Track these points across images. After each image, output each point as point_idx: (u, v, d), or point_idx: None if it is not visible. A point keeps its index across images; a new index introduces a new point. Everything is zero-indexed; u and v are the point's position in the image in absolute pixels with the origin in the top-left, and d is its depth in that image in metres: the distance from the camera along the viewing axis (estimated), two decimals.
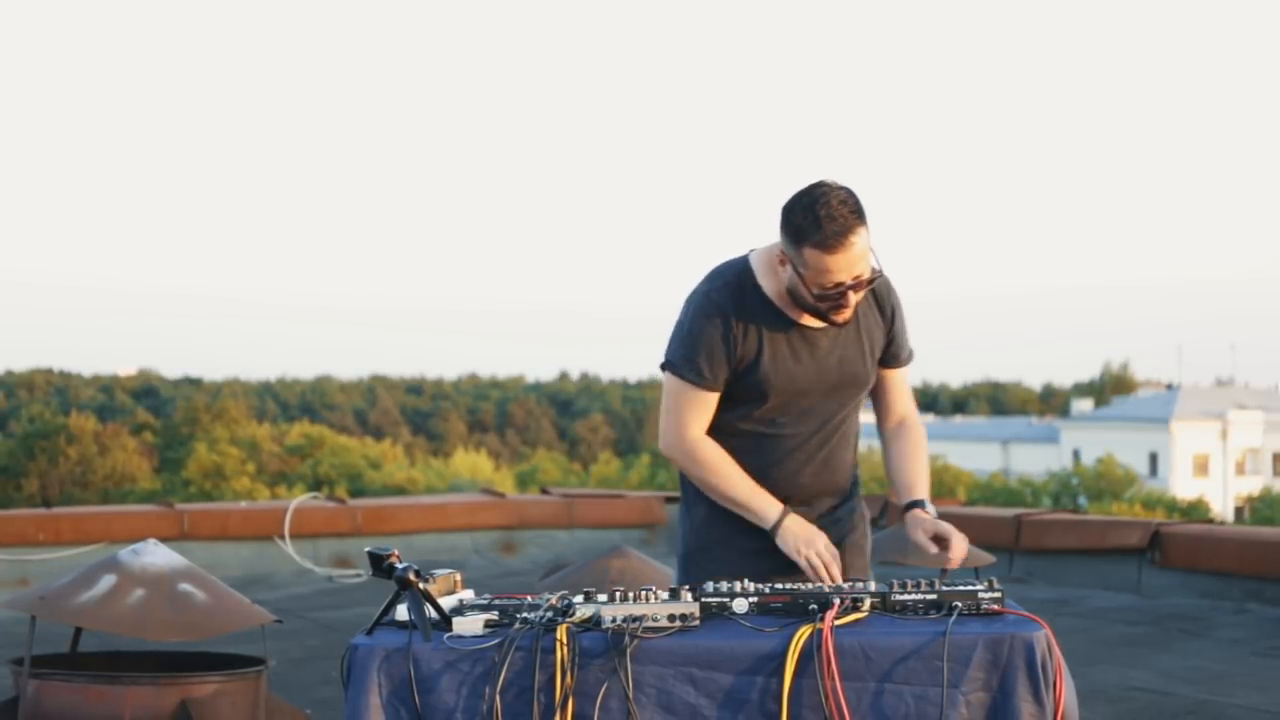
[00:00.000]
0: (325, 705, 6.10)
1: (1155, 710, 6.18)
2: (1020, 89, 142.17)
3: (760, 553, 3.73)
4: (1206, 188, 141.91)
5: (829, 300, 3.59)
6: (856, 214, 3.52)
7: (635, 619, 3.19)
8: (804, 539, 3.67)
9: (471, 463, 61.22)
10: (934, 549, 3.69)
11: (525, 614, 3.30)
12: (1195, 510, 43.80)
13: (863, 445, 4.13)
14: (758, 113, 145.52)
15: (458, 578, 3.56)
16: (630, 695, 3.14)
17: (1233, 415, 74.46)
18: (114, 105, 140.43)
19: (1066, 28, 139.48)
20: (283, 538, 10.40)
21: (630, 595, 3.28)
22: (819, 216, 3.49)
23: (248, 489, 45.53)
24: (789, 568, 3.70)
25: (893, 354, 3.85)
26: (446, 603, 3.36)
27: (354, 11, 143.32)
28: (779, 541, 3.69)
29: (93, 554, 9.37)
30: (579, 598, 3.34)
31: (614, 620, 3.19)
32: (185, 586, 4.62)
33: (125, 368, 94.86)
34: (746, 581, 3.39)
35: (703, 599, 3.32)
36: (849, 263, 3.53)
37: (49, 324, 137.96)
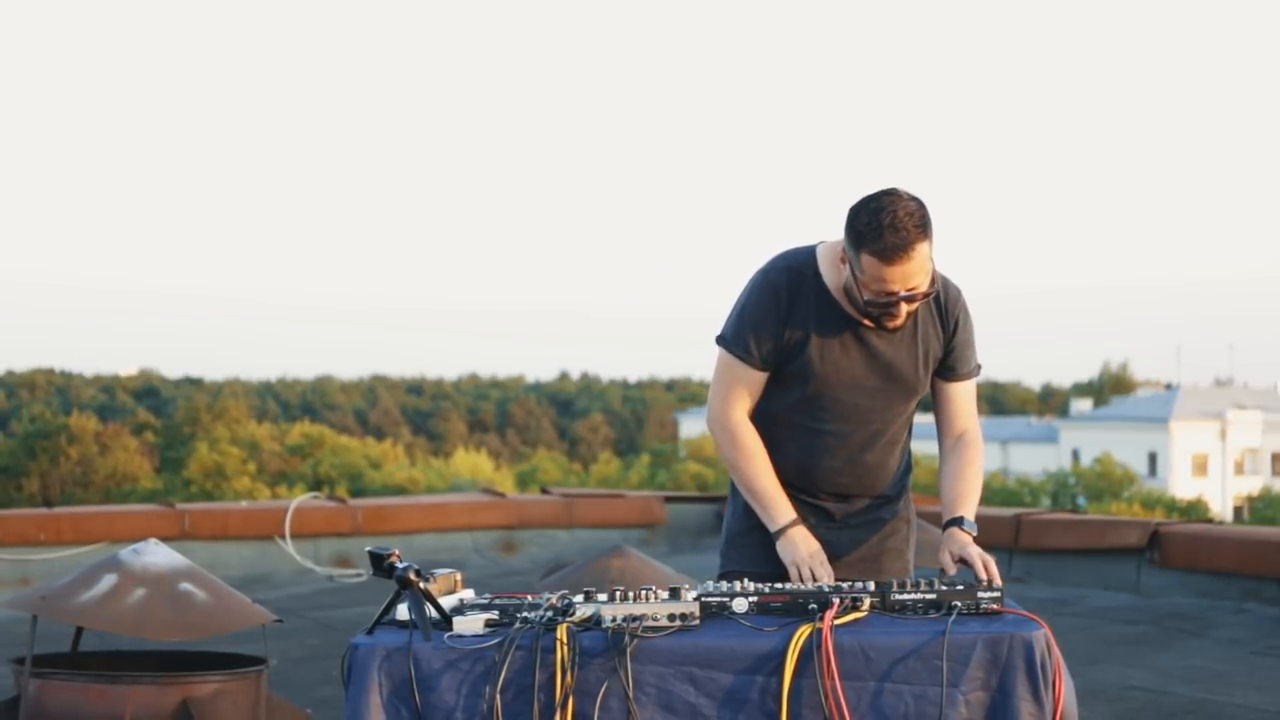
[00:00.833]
0: (326, 704, 6.11)
1: (1154, 710, 6.19)
2: (1019, 89, 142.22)
3: None
4: (1206, 188, 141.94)
5: (880, 307, 3.59)
6: (921, 227, 3.50)
7: (635, 618, 3.20)
8: (804, 553, 3.66)
9: (472, 462, 61.22)
10: (954, 571, 3.65)
11: (525, 613, 3.31)
12: (1194, 510, 43.82)
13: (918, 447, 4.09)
14: (757, 113, 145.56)
15: (458, 577, 3.57)
16: (630, 694, 3.15)
17: (1232, 415, 74.47)
18: (114, 105, 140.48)
19: (1067, 28, 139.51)
20: (283, 537, 10.41)
21: (630, 595, 3.29)
22: (882, 225, 3.48)
23: (248, 489, 45.53)
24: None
25: (950, 365, 3.80)
26: (447, 602, 3.36)
27: (354, 11, 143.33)
28: (779, 547, 3.69)
29: (94, 554, 9.38)
30: (579, 597, 3.35)
31: (614, 620, 3.20)
32: (186, 586, 4.63)
33: (126, 368, 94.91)
34: (746, 581, 3.40)
35: (702, 599, 3.33)
36: (905, 274, 3.52)
37: (50, 324, 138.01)
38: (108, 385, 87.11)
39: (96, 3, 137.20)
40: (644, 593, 3.29)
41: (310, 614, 8.92)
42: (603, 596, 3.30)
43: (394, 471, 53.28)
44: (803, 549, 3.66)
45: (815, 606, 3.28)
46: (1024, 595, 8.89)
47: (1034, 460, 71.73)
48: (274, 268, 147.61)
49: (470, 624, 3.26)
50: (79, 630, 4.86)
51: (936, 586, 3.34)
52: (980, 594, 3.32)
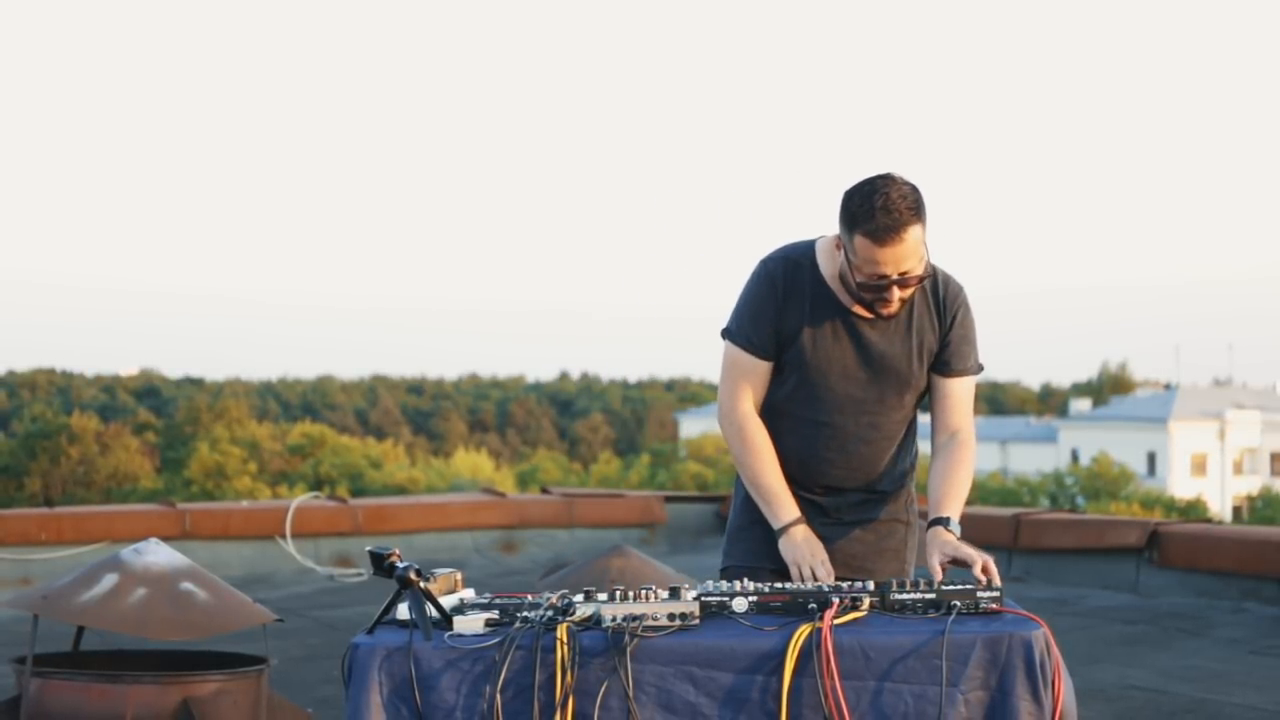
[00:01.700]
0: (326, 704, 6.12)
1: (1153, 709, 6.20)
2: (1018, 89, 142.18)
3: None
4: (1205, 188, 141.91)
5: (872, 291, 3.61)
6: (914, 210, 3.53)
7: (635, 618, 3.20)
8: (805, 552, 3.67)
9: (472, 462, 61.18)
10: (941, 575, 3.58)
11: (526, 613, 3.32)
12: (1193, 510, 43.79)
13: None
14: (757, 113, 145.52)
15: (458, 577, 3.57)
16: (630, 694, 3.15)
17: (1230, 415, 74.47)
18: (114, 105, 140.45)
19: (1066, 28, 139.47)
20: (284, 537, 10.42)
21: (630, 594, 3.29)
22: (874, 207, 3.52)
23: (249, 488, 45.52)
24: None
25: (946, 360, 3.79)
26: (447, 602, 3.37)
27: (354, 11, 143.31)
28: (781, 545, 3.70)
29: (95, 553, 9.39)
30: (579, 597, 3.36)
31: (614, 619, 3.20)
32: (187, 586, 4.64)
33: (127, 367, 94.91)
34: (746, 581, 3.41)
35: (702, 598, 3.33)
36: (897, 257, 3.54)
37: (51, 324, 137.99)
38: (109, 385, 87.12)
39: (96, 3, 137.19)
40: (644, 592, 3.30)
41: (311, 613, 8.93)
42: (603, 596, 3.31)
43: (394, 471, 53.27)
44: (804, 548, 3.67)
45: (815, 606, 3.28)
46: (1023, 595, 8.90)
47: (1033, 460, 71.70)
48: (274, 268, 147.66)
49: (470, 623, 3.27)
50: (80, 630, 4.87)
51: (936, 586, 3.34)
52: (980, 594, 3.32)
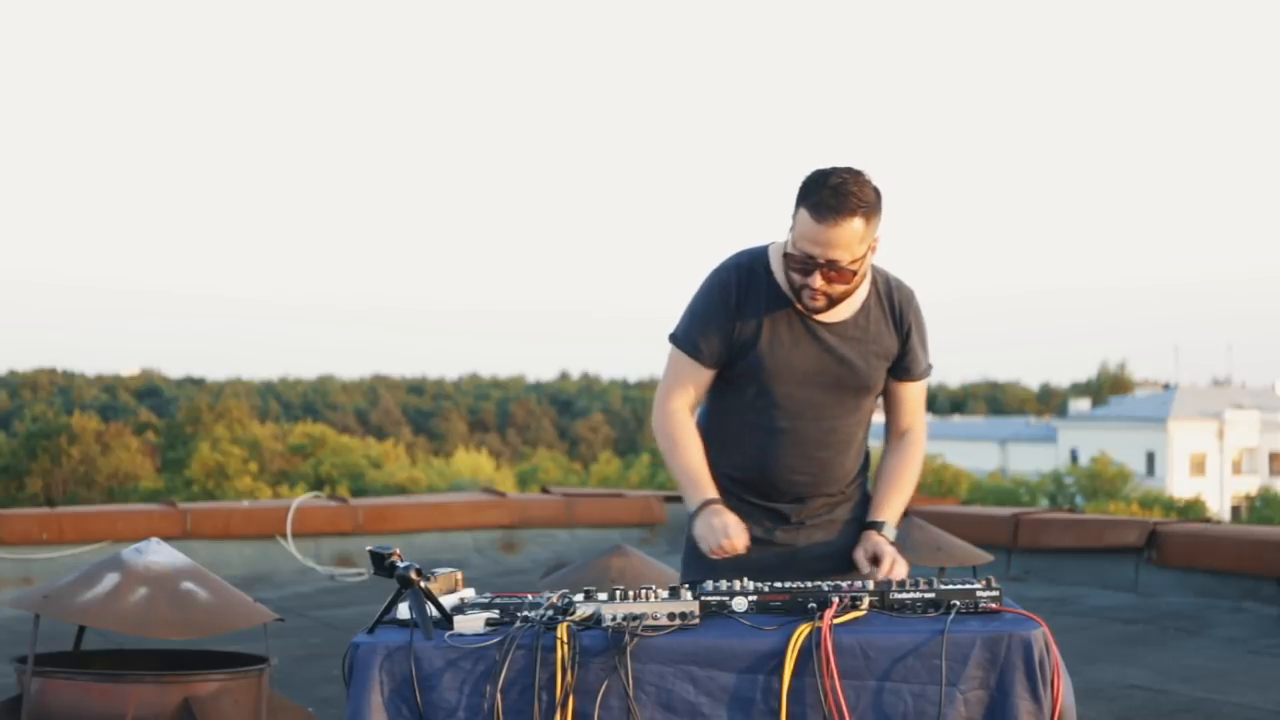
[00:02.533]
0: (327, 703, 6.13)
1: (1152, 708, 6.20)
2: (1018, 89, 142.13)
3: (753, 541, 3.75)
4: (1204, 188, 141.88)
5: (797, 268, 3.61)
6: (863, 205, 3.55)
7: (635, 617, 3.21)
8: (715, 527, 3.65)
9: (473, 462, 61.19)
10: (867, 569, 3.74)
11: (526, 612, 3.32)
12: (1192, 509, 43.82)
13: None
14: (756, 113, 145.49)
15: (459, 576, 3.58)
16: (631, 693, 3.16)
17: (1229, 415, 74.46)
18: (115, 105, 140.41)
19: (1066, 28, 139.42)
20: (285, 537, 10.42)
21: (630, 594, 3.30)
22: (824, 184, 3.56)
23: (250, 488, 45.56)
24: (778, 564, 3.74)
25: (905, 366, 3.84)
26: (448, 601, 3.38)
27: (354, 11, 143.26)
28: (694, 524, 3.72)
29: (96, 553, 9.40)
30: (579, 596, 3.36)
31: (614, 619, 3.21)
32: (188, 585, 4.64)
33: (128, 368, 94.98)
34: (746, 580, 3.42)
35: (702, 597, 3.34)
36: (829, 240, 3.56)
37: (52, 324, 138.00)
38: (110, 385, 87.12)
39: (96, 3, 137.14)
40: (644, 592, 3.30)
41: (312, 613, 8.93)
42: (603, 595, 3.31)
43: (395, 471, 53.32)
44: (714, 520, 3.66)
45: (815, 605, 3.29)
46: (1022, 594, 8.91)
47: (1032, 460, 71.71)
48: (275, 268, 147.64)
49: (471, 623, 3.27)
50: (81, 629, 4.87)
51: (935, 585, 3.35)
52: (979, 593, 3.33)
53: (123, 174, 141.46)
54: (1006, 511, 10.72)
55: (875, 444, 4.09)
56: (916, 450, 3.91)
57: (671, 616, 3.23)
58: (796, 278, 3.64)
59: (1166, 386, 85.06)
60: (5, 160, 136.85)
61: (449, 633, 3.25)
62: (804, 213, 3.58)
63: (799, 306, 3.71)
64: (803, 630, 3.19)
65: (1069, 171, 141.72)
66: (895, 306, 3.80)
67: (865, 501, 3.94)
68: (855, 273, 3.62)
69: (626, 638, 3.18)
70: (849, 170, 3.60)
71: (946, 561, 6.48)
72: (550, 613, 3.29)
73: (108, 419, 59.83)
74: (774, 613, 3.32)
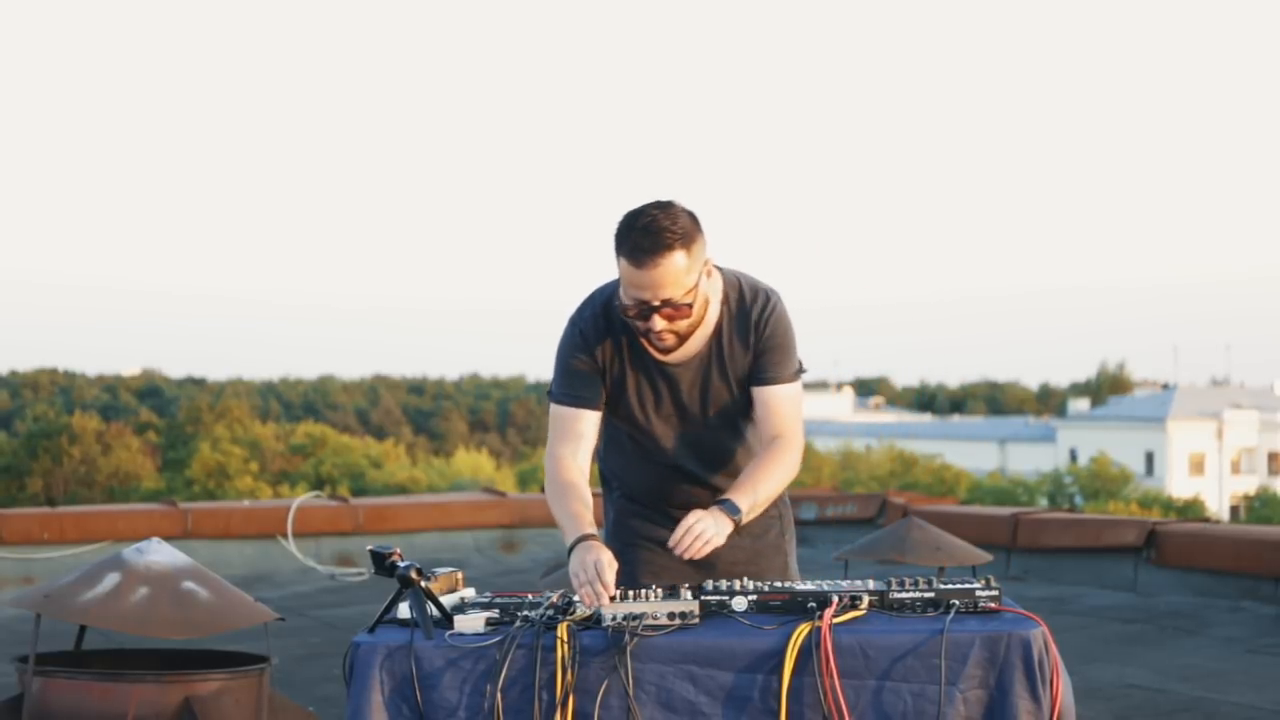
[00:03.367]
0: (328, 702, 6.13)
1: (1151, 708, 6.21)
2: (1017, 89, 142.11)
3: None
4: (1203, 188, 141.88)
5: (635, 314, 3.54)
6: (678, 237, 3.46)
7: (635, 617, 3.22)
8: (587, 564, 3.37)
9: (473, 462, 61.14)
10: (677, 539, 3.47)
11: (526, 612, 3.34)
12: (1191, 509, 43.79)
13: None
14: (757, 113, 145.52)
15: (459, 576, 3.59)
16: (631, 693, 3.17)
17: (1228, 415, 74.45)
18: (115, 105, 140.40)
19: (1064, 27, 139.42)
20: (285, 536, 10.44)
21: (630, 593, 3.31)
22: (634, 227, 3.48)
23: (250, 488, 45.54)
24: (695, 573, 3.69)
25: (758, 371, 3.69)
26: (448, 601, 3.39)
27: (354, 11, 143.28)
28: (569, 561, 3.50)
29: (97, 552, 9.41)
30: (579, 596, 3.37)
31: (614, 618, 3.22)
32: (189, 585, 4.65)
33: (129, 367, 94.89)
34: (746, 580, 3.42)
35: (702, 597, 3.35)
36: (654, 281, 3.47)
37: (53, 324, 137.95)
38: (110, 385, 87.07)
39: (96, 3, 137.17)
40: (644, 591, 3.32)
41: (312, 612, 8.94)
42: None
43: (395, 471, 53.28)
44: (587, 557, 3.38)
45: (814, 605, 3.30)
46: (1022, 594, 8.92)
47: (1031, 460, 71.71)
48: (276, 268, 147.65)
49: (471, 622, 3.28)
50: (82, 629, 4.88)
51: (935, 585, 3.35)
52: (978, 593, 3.34)
53: (123, 174, 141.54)
54: (1006, 511, 10.73)
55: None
56: (782, 453, 3.64)
57: (671, 616, 3.24)
58: (638, 324, 3.56)
59: (1165, 386, 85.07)
60: (5, 160, 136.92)
61: (449, 632, 3.26)
62: (623, 261, 3.50)
63: (651, 351, 3.65)
64: (802, 629, 3.19)
65: (1068, 171, 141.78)
66: (747, 316, 3.68)
67: (781, 500, 3.88)
68: (692, 304, 3.54)
69: (626, 637, 3.18)
70: (656, 205, 3.52)
71: (946, 561, 6.49)
72: (550, 612, 3.30)
73: (109, 419, 59.80)
74: (773, 612, 3.33)
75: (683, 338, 3.60)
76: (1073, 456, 70.98)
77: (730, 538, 3.59)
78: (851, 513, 12.17)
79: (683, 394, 3.71)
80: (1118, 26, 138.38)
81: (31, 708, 4.46)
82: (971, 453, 72.57)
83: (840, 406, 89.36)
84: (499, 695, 3.18)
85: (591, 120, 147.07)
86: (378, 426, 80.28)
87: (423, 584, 3.27)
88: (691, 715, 3.20)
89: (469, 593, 3.55)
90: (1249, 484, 69.21)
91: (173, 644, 5.24)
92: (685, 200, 3.59)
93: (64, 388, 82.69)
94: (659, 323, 3.54)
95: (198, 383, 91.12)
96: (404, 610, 3.33)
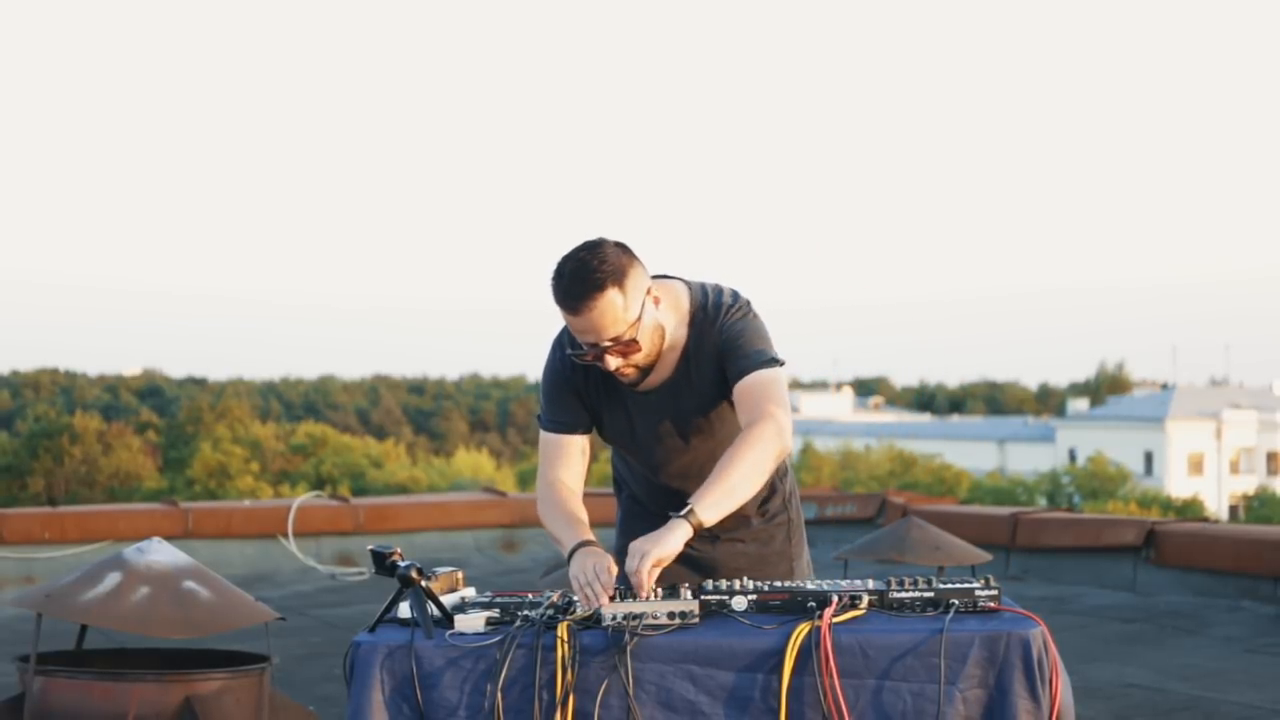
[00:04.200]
0: (328, 702, 6.14)
1: (1151, 707, 6.22)
2: (1017, 89, 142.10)
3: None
4: (1202, 188, 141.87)
5: (590, 358, 3.52)
6: (607, 277, 3.41)
7: (635, 616, 3.22)
8: (588, 569, 3.38)
9: (473, 461, 61.15)
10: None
11: (526, 611, 3.34)
12: (1190, 509, 43.77)
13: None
14: (756, 113, 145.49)
15: (459, 575, 3.59)
16: (631, 692, 3.17)
17: (1227, 415, 74.44)
18: (114, 104, 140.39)
19: (1064, 27, 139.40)
20: (286, 536, 10.44)
21: (630, 593, 3.32)
22: (562, 276, 3.44)
23: (251, 488, 45.55)
24: (700, 575, 3.71)
25: (729, 373, 3.61)
26: (448, 600, 3.39)
27: (354, 11, 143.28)
28: (569, 566, 3.49)
29: (98, 552, 9.42)
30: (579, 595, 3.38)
31: (614, 618, 3.22)
32: (189, 584, 4.66)
33: (130, 367, 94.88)
34: (745, 580, 3.43)
35: (702, 596, 3.35)
36: (594, 324, 3.44)
37: (54, 324, 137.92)
38: (111, 385, 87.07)
39: (96, 3, 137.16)
40: (644, 591, 3.32)
41: (313, 612, 8.95)
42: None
43: (396, 471, 53.28)
44: (588, 561, 3.40)
45: (814, 604, 3.30)
46: (1021, 593, 8.92)
47: (1030, 460, 71.67)
48: (277, 268, 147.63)
49: (471, 622, 3.29)
50: (83, 628, 4.89)
51: (934, 585, 3.36)
52: (978, 592, 3.34)
53: (123, 174, 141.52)
54: (1005, 511, 10.74)
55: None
56: (750, 437, 3.48)
57: (671, 616, 3.24)
58: (588, 361, 3.56)
59: (1164, 386, 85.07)
60: (5, 160, 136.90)
61: (450, 632, 3.26)
62: (561, 309, 3.48)
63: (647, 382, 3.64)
64: (802, 629, 3.20)
65: (1068, 171, 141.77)
66: (713, 322, 3.63)
67: (786, 498, 3.87)
68: (637, 339, 3.50)
69: (626, 637, 3.19)
70: (583, 247, 3.47)
71: (945, 561, 6.50)
72: (550, 612, 3.31)
73: (109, 419, 59.80)
74: (773, 612, 3.33)
75: (644, 369, 3.58)
76: (1072, 456, 70.96)
77: (735, 545, 3.63)
78: (851, 512, 12.18)
79: (661, 420, 3.70)
80: (1118, 26, 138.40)
81: (33, 707, 4.47)
82: (971, 453, 72.54)
83: (840, 406, 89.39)
84: (499, 695, 3.18)
85: (591, 120, 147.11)
86: (378, 426, 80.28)
87: (423, 584, 3.27)
88: (691, 715, 3.20)
89: (469, 592, 3.56)
90: (1248, 484, 69.20)
91: (173, 643, 5.25)
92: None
93: (65, 388, 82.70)
94: (613, 361, 3.52)
95: (198, 383, 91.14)
96: (404, 610, 3.33)
